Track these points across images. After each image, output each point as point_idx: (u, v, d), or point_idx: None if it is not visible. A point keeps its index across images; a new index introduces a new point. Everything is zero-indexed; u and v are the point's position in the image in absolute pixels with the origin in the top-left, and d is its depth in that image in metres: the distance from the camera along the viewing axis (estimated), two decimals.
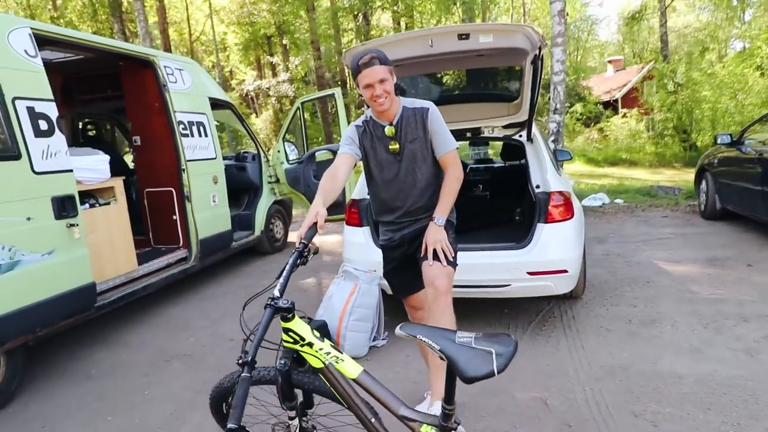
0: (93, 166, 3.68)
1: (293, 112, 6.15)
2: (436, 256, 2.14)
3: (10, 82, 2.94)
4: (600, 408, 2.48)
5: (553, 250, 3.15)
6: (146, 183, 4.75)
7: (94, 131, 5.64)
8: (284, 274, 1.61)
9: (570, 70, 25.70)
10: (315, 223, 1.80)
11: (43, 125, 3.12)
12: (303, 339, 1.55)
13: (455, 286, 3.17)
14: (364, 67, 2.07)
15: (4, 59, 2.95)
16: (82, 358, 3.50)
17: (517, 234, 3.25)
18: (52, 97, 3.23)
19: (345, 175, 2.19)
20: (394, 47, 2.93)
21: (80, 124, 5.75)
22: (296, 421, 1.92)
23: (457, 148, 2.31)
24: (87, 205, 3.69)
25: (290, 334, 1.58)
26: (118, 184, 3.96)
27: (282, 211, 6.56)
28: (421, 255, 2.20)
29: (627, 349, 3.06)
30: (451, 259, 2.14)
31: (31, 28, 3.20)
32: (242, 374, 1.28)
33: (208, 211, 4.89)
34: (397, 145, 2.24)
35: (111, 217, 3.87)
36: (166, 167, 4.62)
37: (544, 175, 3.26)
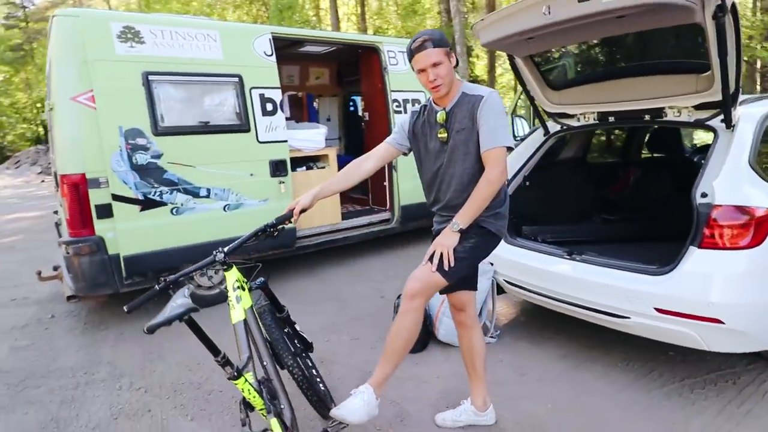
0: (310, 138, 4.71)
1: None
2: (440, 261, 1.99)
3: (250, 76, 4.11)
4: None
5: (702, 287, 2.22)
6: None
7: (352, 107, 6.92)
8: (240, 239, 1.96)
9: None
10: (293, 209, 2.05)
11: (269, 107, 4.23)
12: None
13: (560, 301, 2.73)
14: (416, 51, 1.97)
15: (248, 60, 4.12)
16: (284, 279, 4.70)
17: (671, 255, 2.40)
18: (279, 85, 4.28)
19: (374, 166, 2.26)
20: (509, 20, 2.59)
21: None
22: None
23: (510, 148, 1.99)
24: (304, 168, 4.77)
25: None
26: (332, 152, 4.92)
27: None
28: None
29: None
30: (446, 269, 1.95)
31: (272, 33, 4.30)
32: (155, 285, 1.72)
33: (412, 180, 5.38)
34: (445, 134, 2.11)
35: (322, 178, 4.87)
36: (382, 140, 5.32)
37: (714, 180, 2.26)
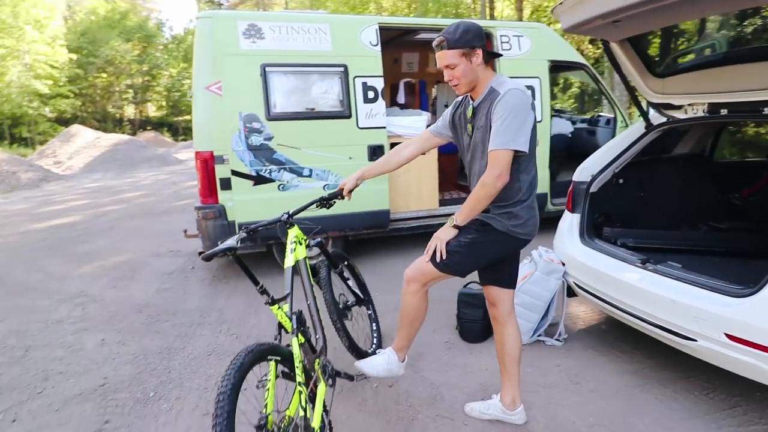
0: (410, 125, 4.84)
1: None
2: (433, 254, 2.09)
3: (354, 66, 4.40)
4: None
5: None
6: None
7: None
8: (301, 206, 2.31)
9: None
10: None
11: (370, 94, 4.48)
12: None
13: (626, 312, 2.51)
14: (436, 50, 1.99)
15: (354, 50, 4.41)
16: (374, 257, 4.98)
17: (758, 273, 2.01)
18: (381, 74, 4.49)
19: (413, 153, 2.34)
20: (591, 2, 2.39)
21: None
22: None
23: (518, 152, 1.89)
24: None
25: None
26: None
27: None
28: None
29: None
30: (438, 261, 2.03)
31: (379, 24, 4.51)
32: (236, 234, 2.07)
33: None
34: (471, 129, 2.12)
35: (422, 164, 4.97)
36: None
37: None
